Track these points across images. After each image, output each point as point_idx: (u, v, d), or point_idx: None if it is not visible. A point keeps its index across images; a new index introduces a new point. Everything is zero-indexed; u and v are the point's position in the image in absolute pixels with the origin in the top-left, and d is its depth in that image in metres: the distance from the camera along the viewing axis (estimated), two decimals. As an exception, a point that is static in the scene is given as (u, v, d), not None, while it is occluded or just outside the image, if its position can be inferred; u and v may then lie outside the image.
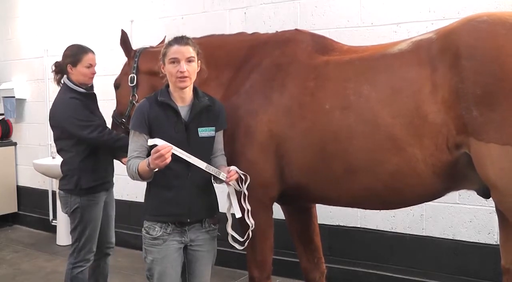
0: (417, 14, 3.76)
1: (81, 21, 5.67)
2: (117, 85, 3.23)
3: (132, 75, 3.06)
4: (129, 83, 3.06)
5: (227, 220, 2.57)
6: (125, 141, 3.05)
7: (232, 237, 2.55)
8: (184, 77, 2.39)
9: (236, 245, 2.56)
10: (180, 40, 2.44)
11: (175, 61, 2.39)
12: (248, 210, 2.52)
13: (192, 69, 2.42)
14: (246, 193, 2.50)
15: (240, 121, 2.64)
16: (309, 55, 2.63)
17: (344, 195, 2.53)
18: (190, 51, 2.42)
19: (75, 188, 3.24)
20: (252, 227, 2.53)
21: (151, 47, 3.22)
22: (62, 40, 5.67)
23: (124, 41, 3.17)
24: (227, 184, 2.47)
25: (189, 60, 2.41)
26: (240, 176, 2.48)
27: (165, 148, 2.26)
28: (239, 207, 2.52)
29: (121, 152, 3.18)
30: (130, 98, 3.04)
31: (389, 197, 2.44)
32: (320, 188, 2.55)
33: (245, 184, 2.50)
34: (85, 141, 3.21)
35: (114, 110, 3.27)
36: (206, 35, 3.04)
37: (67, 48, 3.38)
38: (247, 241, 2.56)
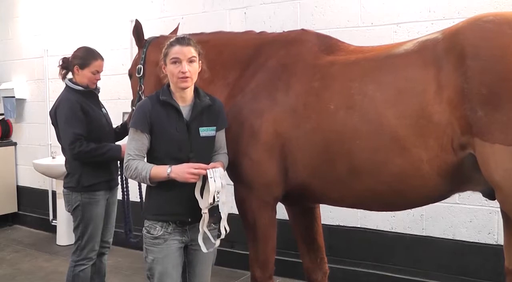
0: (417, 14, 3.76)
1: (81, 21, 5.66)
2: (130, 75, 3.22)
3: (139, 66, 3.04)
4: (137, 74, 3.05)
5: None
6: (113, 152, 3.15)
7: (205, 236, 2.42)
8: (186, 77, 2.39)
9: (203, 247, 2.40)
10: (182, 40, 2.43)
11: (177, 61, 2.39)
12: (222, 218, 2.41)
13: (193, 69, 2.42)
14: (224, 201, 2.40)
15: (245, 121, 2.63)
16: (314, 55, 2.62)
17: (348, 196, 2.52)
18: (191, 51, 2.41)
19: (77, 185, 3.26)
20: (226, 232, 2.42)
21: (162, 36, 3.15)
22: (62, 40, 5.71)
23: (137, 30, 3.11)
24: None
25: (190, 60, 2.41)
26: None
27: (205, 167, 2.31)
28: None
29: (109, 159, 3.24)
30: (138, 88, 3.02)
31: (393, 198, 2.42)
32: (324, 188, 2.54)
33: (220, 193, 2.37)
34: (67, 148, 3.21)
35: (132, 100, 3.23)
36: (214, 32, 3.03)
37: (78, 49, 3.38)
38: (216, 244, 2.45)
